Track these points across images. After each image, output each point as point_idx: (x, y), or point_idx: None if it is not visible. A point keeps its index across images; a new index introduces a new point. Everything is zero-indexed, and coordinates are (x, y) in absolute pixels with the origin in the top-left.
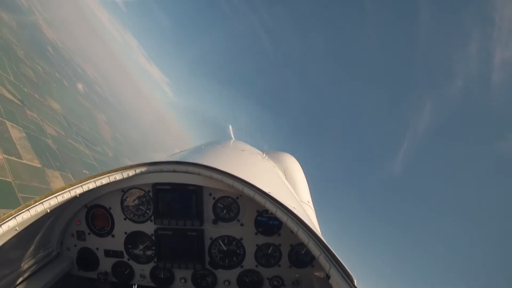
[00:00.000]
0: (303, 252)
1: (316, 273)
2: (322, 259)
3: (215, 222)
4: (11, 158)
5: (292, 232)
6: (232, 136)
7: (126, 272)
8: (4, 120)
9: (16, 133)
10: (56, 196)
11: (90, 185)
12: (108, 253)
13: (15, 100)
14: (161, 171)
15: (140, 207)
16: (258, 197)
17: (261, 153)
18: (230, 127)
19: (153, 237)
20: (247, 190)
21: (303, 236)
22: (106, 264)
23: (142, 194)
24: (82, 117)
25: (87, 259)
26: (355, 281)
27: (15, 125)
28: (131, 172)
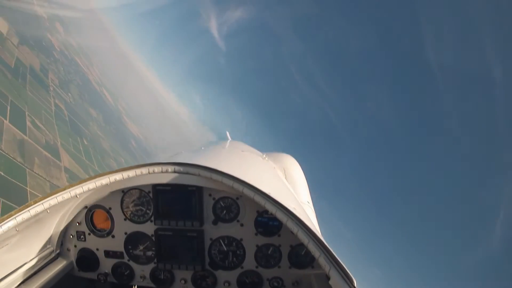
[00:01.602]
0: (303, 253)
1: (316, 274)
2: (322, 260)
3: (215, 222)
4: None
5: (292, 233)
6: (229, 137)
7: (126, 273)
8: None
9: None
10: (56, 197)
11: (90, 185)
12: (108, 253)
13: None
14: (161, 172)
15: (140, 207)
16: (258, 198)
17: (261, 154)
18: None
19: (153, 238)
20: (247, 191)
21: (303, 237)
22: (106, 265)
23: (142, 194)
24: None
25: (87, 259)
26: (355, 282)
27: None
28: (131, 173)
